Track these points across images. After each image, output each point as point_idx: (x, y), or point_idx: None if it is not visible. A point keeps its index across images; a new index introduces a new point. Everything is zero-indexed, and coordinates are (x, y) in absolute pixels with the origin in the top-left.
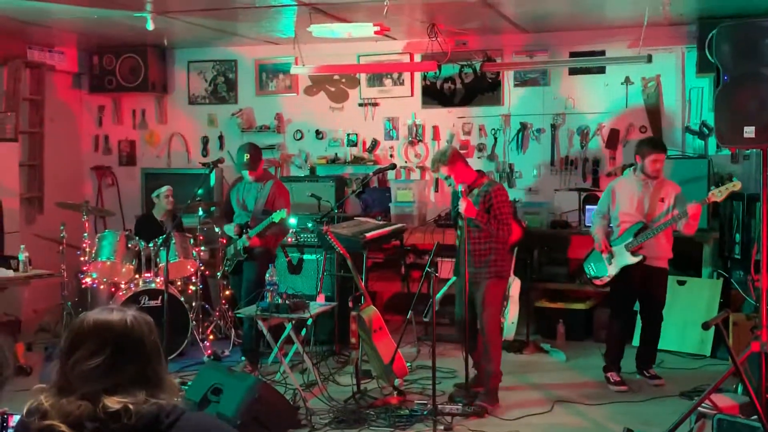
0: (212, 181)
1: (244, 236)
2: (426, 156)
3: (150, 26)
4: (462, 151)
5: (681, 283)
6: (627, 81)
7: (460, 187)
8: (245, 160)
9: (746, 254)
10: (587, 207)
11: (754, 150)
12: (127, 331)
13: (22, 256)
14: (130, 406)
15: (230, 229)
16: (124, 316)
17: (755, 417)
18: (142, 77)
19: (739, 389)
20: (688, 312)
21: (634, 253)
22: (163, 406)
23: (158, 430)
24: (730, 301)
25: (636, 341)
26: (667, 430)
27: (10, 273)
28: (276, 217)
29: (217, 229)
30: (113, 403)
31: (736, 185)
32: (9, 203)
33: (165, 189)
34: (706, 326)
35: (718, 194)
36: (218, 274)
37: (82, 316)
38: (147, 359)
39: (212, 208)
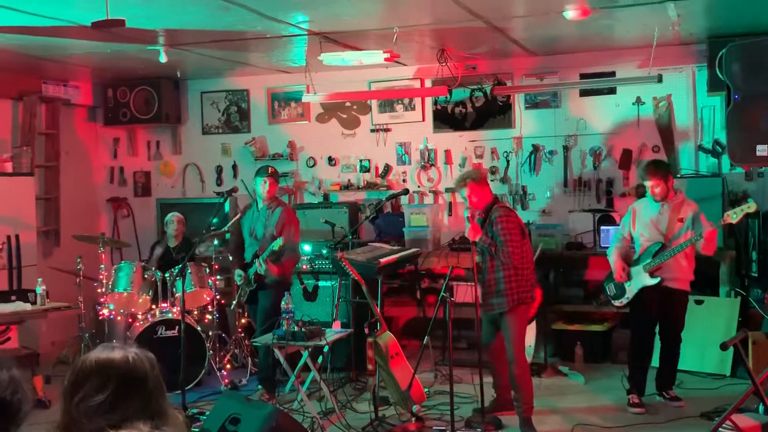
0: (227, 210)
1: (255, 264)
2: (438, 180)
3: (163, 59)
4: None
5: (699, 302)
6: (638, 101)
7: (466, 212)
8: (270, 171)
9: (763, 272)
10: (602, 228)
11: None
12: (129, 368)
13: (40, 289)
14: None
15: (239, 274)
16: (126, 354)
17: None
18: (156, 109)
19: (761, 409)
20: (707, 332)
21: (651, 275)
22: None
23: None
24: (748, 319)
25: (655, 362)
26: None
27: (28, 306)
28: (274, 245)
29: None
30: None
31: (751, 207)
32: (26, 237)
33: (171, 215)
34: (724, 347)
35: (733, 216)
36: (233, 302)
37: (84, 356)
38: (150, 394)
39: (227, 236)
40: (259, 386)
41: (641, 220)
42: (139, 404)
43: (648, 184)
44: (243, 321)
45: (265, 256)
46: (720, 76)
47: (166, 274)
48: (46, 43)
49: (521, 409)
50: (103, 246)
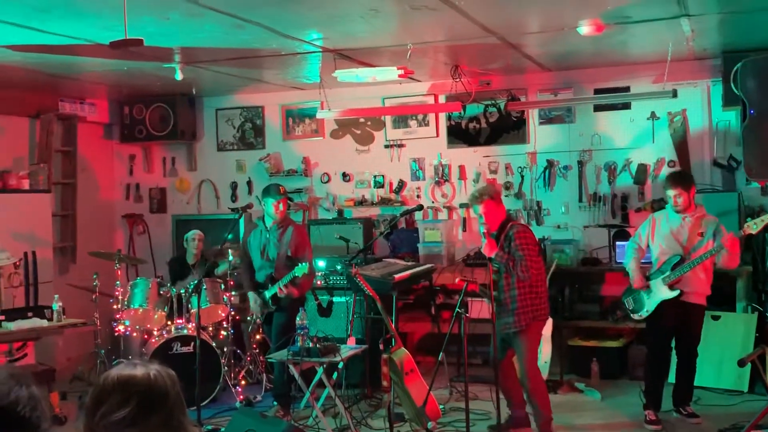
0: (241, 226)
1: (270, 287)
2: (452, 196)
3: (179, 76)
4: None
5: (715, 318)
6: (653, 116)
7: (482, 228)
8: (282, 192)
9: None
10: (617, 243)
11: None
12: (151, 385)
13: (56, 305)
14: None
15: (252, 297)
16: (147, 371)
17: None
18: (172, 126)
19: None
20: (724, 347)
21: (671, 287)
22: None
23: None
24: (765, 335)
25: (672, 378)
26: None
27: (45, 323)
28: (298, 271)
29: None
30: None
31: None
32: (43, 253)
33: (192, 233)
34: (741, 363)
35: (753, 227)
36: (248, 318)
37: (106, 373)
38: (170, 411)
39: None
40: (274, 402)
41: (660, 231)
42: (160, 420)
43: (671, 193)
44: (258, 337)
45: (286, 281)
46: (735, 91)
47: (182, 290)
48: (63, 61)
49: (539, 423)
50: (119, 262)
